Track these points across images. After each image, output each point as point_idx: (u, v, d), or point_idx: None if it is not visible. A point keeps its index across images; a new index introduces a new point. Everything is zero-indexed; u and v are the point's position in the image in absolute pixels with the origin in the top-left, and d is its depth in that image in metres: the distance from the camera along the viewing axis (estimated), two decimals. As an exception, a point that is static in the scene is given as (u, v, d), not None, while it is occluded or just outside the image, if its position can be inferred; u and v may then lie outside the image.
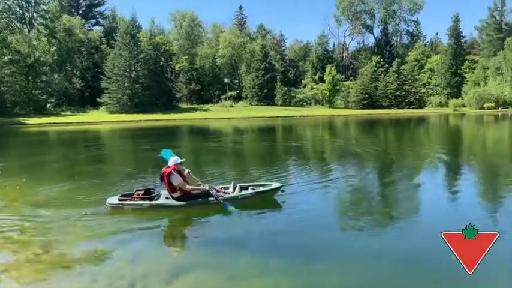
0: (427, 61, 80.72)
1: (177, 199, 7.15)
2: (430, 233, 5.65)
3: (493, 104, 62.25)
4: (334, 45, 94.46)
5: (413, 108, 69.44)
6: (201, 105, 68.52)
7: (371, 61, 77.26)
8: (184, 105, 68.40)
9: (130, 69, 58.56)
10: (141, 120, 47.17)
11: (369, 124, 40.72)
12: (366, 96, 71.51)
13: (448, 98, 72.13)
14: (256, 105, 70.12)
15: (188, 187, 7.22)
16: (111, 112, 56.33)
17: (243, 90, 75.71)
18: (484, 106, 62.24)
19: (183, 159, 7.62)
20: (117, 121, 46.13)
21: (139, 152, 19.43)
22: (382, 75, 74.02)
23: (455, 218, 6.98)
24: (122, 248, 5.63)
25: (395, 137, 26.85)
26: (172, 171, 7.05)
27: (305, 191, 8.98)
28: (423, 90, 75.96)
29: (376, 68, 75.33)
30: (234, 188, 7.70)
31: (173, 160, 7.30)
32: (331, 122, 44.54)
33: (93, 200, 8.04)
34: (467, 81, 70.55)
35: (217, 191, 7.43)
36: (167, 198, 7.27)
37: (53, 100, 58.19)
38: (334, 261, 5.18)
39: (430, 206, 7.93)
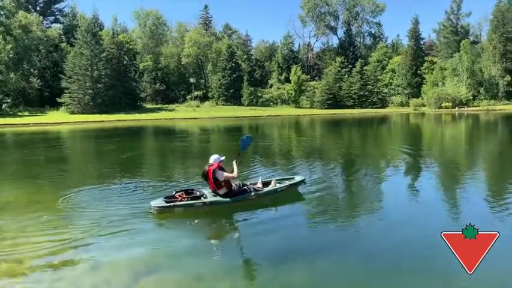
0: (388, 62, 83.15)
1: (223, 196, 7.24)
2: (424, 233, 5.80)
3: (450, 104, 64.99)
4: (299, 46, 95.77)
5: (376, 107, 71.41)
6: (167, 105, 67.51)
7: (335, 62, 78.77)
8: (149, 105, 67.18)
9: (92, 68, 56.77)
10: (104, 121, 45.72)
11: (334, 124, 41.43)
12: (331, 96, 72.82)
13: (408, 98, 74.62)
14: (223, 105, 69.86)
15: (234, 174, 7.36)
16: (72, 113, 54.43)
17: (210, 90, 75.23)
18: (442, 105, 64.88)
19: (224, 157, 7.64)
20: (79, 122, 44.49)
21: (102, 153, 18.79)
22: (346, 76, 75.68)
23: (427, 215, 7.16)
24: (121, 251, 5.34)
25: (362, 136, 27.43)
26: (216, 169, 7.18)
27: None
28: (385, 90, 78.23)
29: (340, 69, 76.89)
30: (265, 183, 8.00)
31: (215, 158, 7.41)
32: (298, 122, 45.00)
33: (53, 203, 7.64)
34: (426, 81, 73.30)
35: (255, 189, 7.65)
36: (214, 195, 7.29)
37: (9, 100, 55.55)
38: (331, 261, 5.15)
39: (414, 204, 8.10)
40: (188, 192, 7.41)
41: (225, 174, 7.22)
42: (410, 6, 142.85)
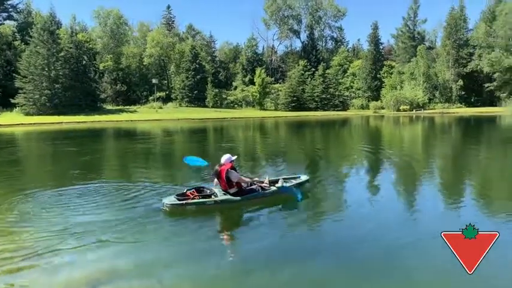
0: (349, 66, 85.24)
1: (233, 195, 7.43)
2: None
3: (408, 107, 67.59)
4: (263, 48, 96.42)
5: (337, 110, 73.04)
6: (128, 107, 65.78)
7: (298, 65, 79.85)
8: (109, 107, 65.26)
9: (49, 68, 54.45)
10: (61, 123, 43.95)
11: (298, 126, 42.02)
12: (294, 98, 73.73)
13: (368, 101, 76.80)
14: (187, 106, 69.04)
15: (246, 179, 7.73)
16: (28, 114, 51.97)
17: (173, 91, 74.16)
18: (400, 108, 67.39)
19: (235, 157, 7.88)
20: (35, 123, 42.53)
21: (61, 155, 18.04)
22: (309, 79, 76.90)
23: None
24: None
25: (328, 137, 27.97)
26: (230, 169, 7.40)
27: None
28: (346, 94, 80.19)
29: (303, 72, 78.01)
30: (272, 182, 8.14)
31: (227, 158, 7.63)
32: (263, 124, 45.23)
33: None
34: (385, 85, 75.74)
35: (263, 188, 7.83)
36: (224, 194, 7.49)
37: (-43, 100, 52.23)
38: (330, 261, 5.15)
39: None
40: (199, 190, 7.59)
41: (238, 177, 7.51)
42: (370, 11, 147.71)
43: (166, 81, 79.56)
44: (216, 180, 7.78)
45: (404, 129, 35.23)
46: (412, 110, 66.71)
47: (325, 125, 41.33)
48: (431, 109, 68.65)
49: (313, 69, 78.85)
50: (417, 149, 19.71)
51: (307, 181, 8.77)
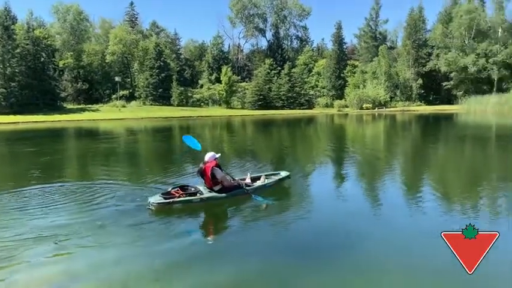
0: (314, 65, 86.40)
1: (218, 192, 7.50)
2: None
3: (371, 105, 69.42)
4: (229, 47, 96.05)
5: (303, 108, 73.89)
6: (90, 106, 63.76)
7: (264, 63, 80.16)
8: (70, 106, 63.06)
9: (4, 65, 52.01)
10: (18, 122, 42.00)
11: (265, 124, 42.19)
12: (261, 97, 73.94)
13: (333, 100, 78.11)
14: (151, 105, 67.73)
15: (229, 178, 7.74)
16: (-20, 113, 49.31)
17: (136, 89, 72.55)
18: (363, 107, 69.10)
19: (219, 154, 7.97)
20: (-12, 123, 40.41)
21: (18, 156, 17.20)
22: (275, 78, 77.34)
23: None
24: None
25: (295, 135, 28.24)
26: (215, 167, 7.49)
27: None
28: (312, 92, 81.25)
29: (269, 71, 78.37)
30: (254, 178, 8.44)
31: (211, 156, 7.70)
32: (230, 122, 45.09)
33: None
34: (349, 84, 77.33)
35: (246, 184, 8.00)
36: (210, 191, 7.52)
37: None
38: (328, 261, 5.10)
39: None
40: (184, 189, 7.58)
41: (222, 175, 7.59)
42: (334, 11, 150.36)
43: (129, 79, 77.72)
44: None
45: (367, 127, 36.13)
46: (375, 108, 68.57)
47: (292, 124, 41.74)
48: (392, 107, 70.79)
49: (279, 68, 79.38)
50: (380, 146, 20.24)
51: (287, 177, 8.95)
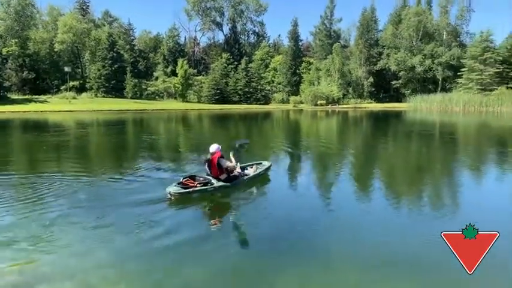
0: (271, 61, 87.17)
1: (224, 181, 8.05)
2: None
3: (325, 101, 71.27)
4: (185, 39, 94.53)
5: (260, 104, 74.48)
6: (37, 96, 60.46)
7: (221, 57, 79.81)
8: (14, 96, 59.50)
9: None
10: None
11: (222, 118, 42.13)
12: (218, 91, 73.62)
13: (289, 95, 79.32)
14: (103, 97, 65.43)
15: (234, 164, 8.38)
16: None
17: (88, 80, 69.72)
18: (318, 103, 70.81)
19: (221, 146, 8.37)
20: None
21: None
22: (232, 72, 77.29)
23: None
24: None
25: (251, 130, 28.42)
26: (220, 158, 8.03)
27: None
28: (268, 88, 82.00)
29: (226, 65, 78.17)
30: (242, 168, 8.96)
31: (216, 147, 8.15)
32: (186, 116, 44.55)
33: None
34: (304, 80, 78.91)
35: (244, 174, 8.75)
36: (218, 181, 8.02)
37: None
38: (327, 261, 5.09)
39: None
40: (194, 178, 8.01)
41: (228, 163, 8.17)
42: (290, 8, 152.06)
43: (80, 70, 74.58)
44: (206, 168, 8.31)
45: (322, 122, 37.12)
46: (328, 105, 70.46)
47: (248, 118, 42.00)
48: (345, 104, 73.06)
49: (236, 62, 79.36)
50: (334, 141, 20.93)
51: (270, 166, 9.75)
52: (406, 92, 74.28)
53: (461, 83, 68.50)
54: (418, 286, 4.51)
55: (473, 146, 18.34)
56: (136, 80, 70.12)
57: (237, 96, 75.03)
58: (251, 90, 75.66)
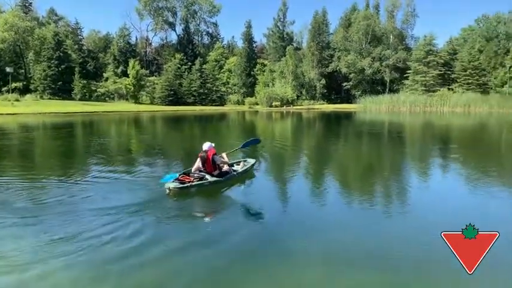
0: (225, 62, 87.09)
1: (217, 176, 8.75)
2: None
3: (279, 103, 72.25)
4: (137, 39, 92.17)
5: (215, 105, 74.13)
6: (-25, 98, 56.47)
7: (175, 58, 78.61)
8: None
9: None
10: None
11: (177, 120, 41.48)
12: (171, 92, 72.39)
13: (244, 97, 79.69)
14: (50, 99, 62.32)
15: (226, 160, 9.36)
16: None
17: (32, 81, 66.06)
18: (273, 104, 71.65)
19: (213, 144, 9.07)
20: None
21: None
22: (186, 73, 76.34)
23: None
24: None
25: (206, 132, 28.17)
26: (214, 155, 8.76)
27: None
28: (223, 89, 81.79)
29: (180, 66, 77.07)
30: (230, 164, 9.65)
31: (209, 145, 8.90)
32: (138, 118, 43.34)
33: None
34: (259, 82, 79.55)
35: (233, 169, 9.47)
36: (211, 176, 8.67)
37: None
38: (325, 261, 5.06)
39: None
40: (188, 174, 8.59)
41: (221, 159, 9.06)
42: (244, 10, 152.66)
43: (23, 71, 70.51)
44: (197, 165, 8.87)
45: (277, 123, 37.60)
46: (283, 106, 71.49)
47: (204, 120, 41.64)
48: (299, 105, 74.47)
49: (189, 63, 78.46)
50: (289, 140, 21.32)
51: (255, 163, 10.55)
52: (356, 93, 77.01)
53: (407, 84, 72.18)
54: (418, 286, 4.50)
55: (419, 144, 19.44)
56: (85, 81, 67.49)
57: (192, 98, 74.20)
58: (206, 91, 75.12)
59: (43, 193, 8.15)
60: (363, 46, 78.03)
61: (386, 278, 4.64)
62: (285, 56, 77.86)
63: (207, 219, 6.96)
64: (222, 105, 76.37)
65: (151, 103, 71.71)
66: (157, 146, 18.67)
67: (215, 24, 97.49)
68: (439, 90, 66.17)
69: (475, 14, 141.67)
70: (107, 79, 74.66)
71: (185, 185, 7.99)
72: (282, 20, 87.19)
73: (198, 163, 8.88)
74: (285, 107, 70.72)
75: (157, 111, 58.38)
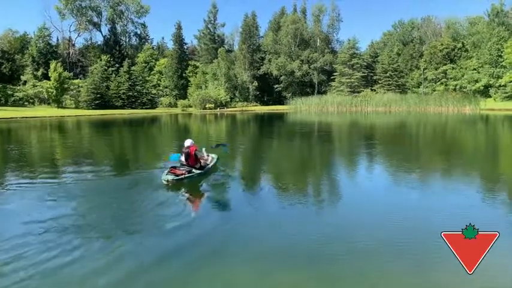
0: (155, 64, 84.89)
1: (199, 169, 10.02)
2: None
3: (213, 105, 72.01)
4: (58, 40, 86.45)
5: (146, 108, 71.87)
6: None
7: (101, 60, 74.98)
8: None
9: None
10: None
11: (104, 125, 39.49)
12: (98, 96, 68.87)
13: (176, 99, 78.20)
14: (-43, 104, 56.25)
15: (206, 156, 10.93)
16: None
17: None
18: (206, 106, 71.21)
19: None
20: None
21: None
22: (114, 75, 73.09)
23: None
24: None
25: (136, 136, 27.18)
26: (196, 150, 10.00)
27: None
28: (154, 92, 79.60)
29: (106, 67, 73.64)
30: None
31: (190, 142, 10.10)
32: (62, 124, 40.64)
33: None
34: (192, 84, 78.65)
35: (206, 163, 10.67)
36: (195, 169, 9.88)
37: None
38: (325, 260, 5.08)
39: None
40: (176, 168, 9.63)
41: (201, 154, 10.39)
42: (173, 11, 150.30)
43: None
44: (182, 158, 10.06)
45: (211, 125, 37.44)
46: (217, 108, 71.36)
47: (134, 124, 40.19)
48: (233, 107, 74.85)
49: (117, 65, 75.25)
50: (224, 141, 21.31)
51: (218, 158, 11.68)
52: (287, 95, 79.29)
53: (334, 86, 75.88)
54: (418, 286, 4.51)
55: (345, 141, 20.53)
56: (0, 85, 61.71)
57: (120, 101, 71.15)
58: (135, 94, 72.58)
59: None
60: (292, 49, 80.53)
61: (387, 277, 4.66)
62: (217, 58, 77.77)
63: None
64: (154, 108, 74.30)
65: (76, 107, 67.68)
66: (83, 153, 17.66)
67: (144, 25, 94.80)
68: (363, 91, 70.46)
69: (397, 17, 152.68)
70: (25, 82, 69.09)
71: (180, 177, 9.13)
72: (212, 22, 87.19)
73: (181, 157, 10.11)
74: (218, 109, 70.62)
75: (82, 115, 55.20)
